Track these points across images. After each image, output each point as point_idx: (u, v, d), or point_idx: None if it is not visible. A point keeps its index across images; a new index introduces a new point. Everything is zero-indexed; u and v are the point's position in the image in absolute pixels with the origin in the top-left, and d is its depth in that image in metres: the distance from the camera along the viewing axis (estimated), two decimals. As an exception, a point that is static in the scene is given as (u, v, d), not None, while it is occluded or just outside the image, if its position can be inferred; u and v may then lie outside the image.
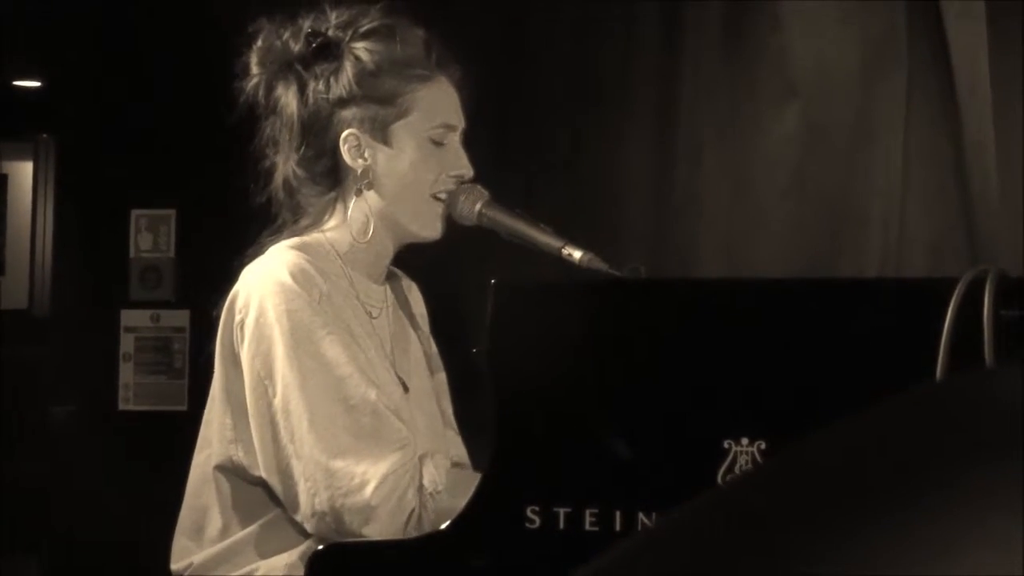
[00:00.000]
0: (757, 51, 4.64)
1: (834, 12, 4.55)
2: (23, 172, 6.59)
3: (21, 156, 6.67)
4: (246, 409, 2.49)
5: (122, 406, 5.46)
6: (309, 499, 2.40)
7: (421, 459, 2.43)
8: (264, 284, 2.48)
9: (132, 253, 5.48)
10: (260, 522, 2.52)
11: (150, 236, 5.48)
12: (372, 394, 2.43)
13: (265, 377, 2.45)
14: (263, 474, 2.47)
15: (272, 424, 2.44)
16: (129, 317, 5.48)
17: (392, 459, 2.38)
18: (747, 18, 4.66)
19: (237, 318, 2.51)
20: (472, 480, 2.35)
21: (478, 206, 2.63)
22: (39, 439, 5.58)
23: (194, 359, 5.26)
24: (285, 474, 2.43)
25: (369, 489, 2.36)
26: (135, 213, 5.49)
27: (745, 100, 4.66)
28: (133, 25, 5.31)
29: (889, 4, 4.50)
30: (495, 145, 4.40)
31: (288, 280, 2.46)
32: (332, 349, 2.44)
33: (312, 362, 2.43)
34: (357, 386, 2.43)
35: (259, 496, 2.52)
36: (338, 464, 2.38)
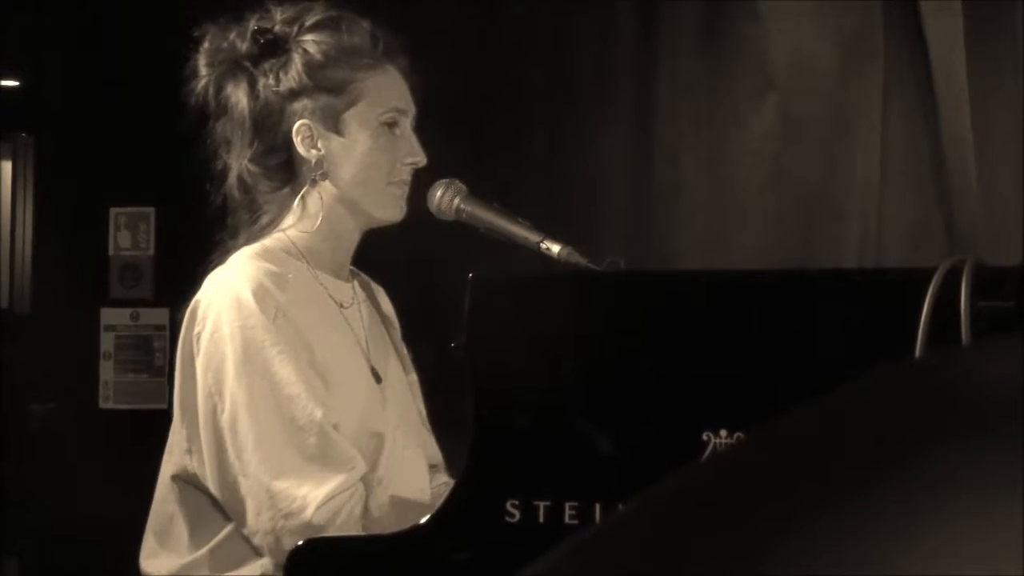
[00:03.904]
0: (734, 45, 4.65)
1: (811, 6, 4.55)
2: (2, 171, 6.55)
3: (0, 155, 6.63)
4: (199, 421, 2.48)
5: (102, 404, 5.45)
6: (255, 517, 2.40)
7: (367, 483, 2.42)
8: (222, 298, 2.47)
9: (111, 251, 5.47)
10: (218, 538, 2.51)
11: (129, 234, 5.47)
12: (319, 414, 2.41)
13: (216, 393, 2.44)
14: (211, 488, 2.47)
15: (220, 440, 2.43)
16: (109, 315, 5.47)
17: (336, 481, 2.37)
18: (724, 12, 4.66)
19: (195, 330, 2.50)
20: (419, 503, 2.36)
21: (456, 201, 2.63)
22: (19, 437, 5.56)
23: (173, 357, 5.25)
24: (232, 490, 2.43)
25: (309, 511, 2.35)
26: (114, 211, 5.48)
27: (722, 94, 4.67)
28: (111, 24, 5.29)
29: (866, -2, 4.51)
30: (473, 142, 4.40)
31: (246, 296, 2.45)
32: (283, 368, 2.43)
33: (261, 380, 2.42)
34: (304, 406, 2.41)
35: (216, 507, 2.51)
36: (280, 485, 2.37)
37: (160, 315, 5.41)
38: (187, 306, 2.54)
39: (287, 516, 2.36)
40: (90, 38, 5.36)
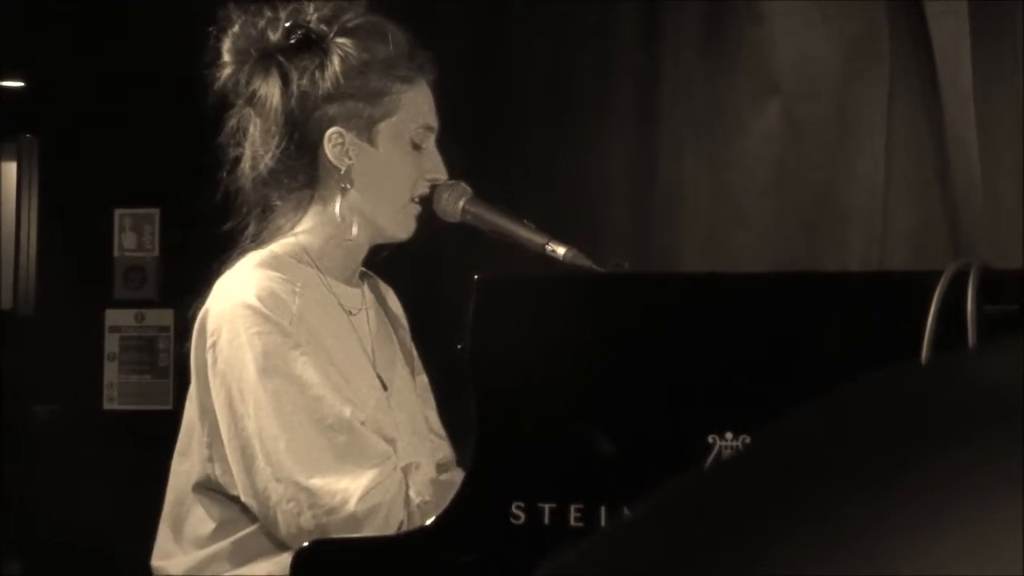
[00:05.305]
0: (737, 48, 4.64)
1: (815, 8, 4.55)
2: (7, 172, 6.57)
3: (5, 156, 6.65)
4: (221, 431, 2.47)
5: (107, 405, 5.45)
6: (292, 519, 2.38)
7: (406, 470, 2.42)
8: (233, 307, 2.46)
9: (116, 252, 5.47)
10: (241, 534, 2.50)
11: (134, 235, 5.47)
12: (347, 412, 2.41)
13: (239, 401, 2.43)
14: (242, 496, 2.45)
15: (248, 447, 2.42)
16: (113, 316, 5.48)
17: (373, 473, 2.37)
18: (727, 14, 4.66)
19: (209, 340, 2.48)
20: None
21: (461, 203, 2.63)
22: (23, 439, 5.56)
23: (179, 358, 5.24)
24: (263, 497, 2.41)
25: (352, 502, 2.34)
26: (119, 212, 5.48)
27: (726, 97, 4.66)
28: (115, 24, 5.29)
29: (870, 0, 4.50)
30: (475, 145, 4.40)
31: (256, 303, 2.43)
32: (305, 370, 2.42)
33: (285, 384, 2.41)
34: (331, 405, 2.41)
35: (239, 511, 2.50)
36: (318, 483, 2.37)
37: (165, 316, 5.41)
38: (194, 315, 2.53)
39: (330, 512, 2.36)
40: (95, 38, 5.36)
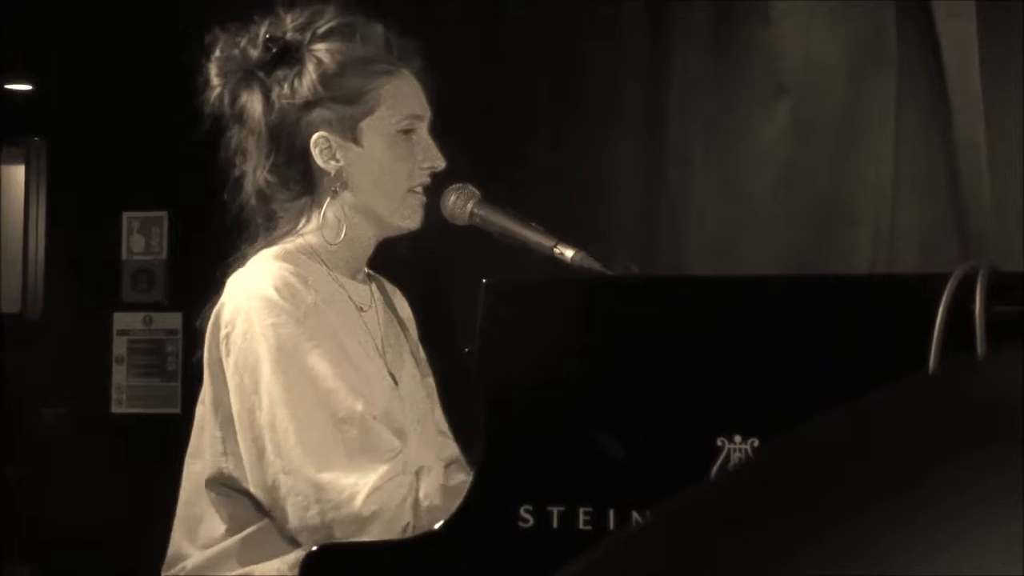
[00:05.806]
0: (746, 49, 4.64)
1: (823, 9, 4.55)
2: (15, 175, 6.57)
3: (12, 159, 6.65)
4: (235, 423, 2.48)
5: (115, 409, 5.45)
6: (300, 513, 2.39)
7: (417, 473, 2.42)
8: (249, 298, 2.47)
9: (124, 255, 5.47)
10: (251, 529, 2.51)
11: (142, 238, 5.47)
12: (359, 406, 2.41)
13: (252, 392, 2.44)
14: (251, 488, 2.46)
15: (259, 439, 2.43)
16: (121, 320, 5.48)
17: (382, 470, 2.37)
18: (735, 16, 4.66)
19: (223, 332, 2.50)
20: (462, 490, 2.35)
21: (470, 206, 2.63)
22: (31, 442, 5.57)
23: (187, 362, 5.25)
24: (272, 489, 2.42)
25: (359, 500, 2.35)
26: (127, 215, 5.48)
27: (734, 98, 4.66)
28: (122, 26, 5.30)
29: (878, 2, 4.50)
30: (480, 147, 4.40)
31: (273, 294, 2.45)
32: (318, 363, 2.43)
33: (298, 376, 2.42)
34: (343, 399, 2.42)
35: (252, 507, 2.51)
36: (326, 477, 2.37)
37: (173, 319, 5.41)
38: (208, 310, 2.54)
39: (336, 507, 2.36)
40: (102, 41, 5.36)
